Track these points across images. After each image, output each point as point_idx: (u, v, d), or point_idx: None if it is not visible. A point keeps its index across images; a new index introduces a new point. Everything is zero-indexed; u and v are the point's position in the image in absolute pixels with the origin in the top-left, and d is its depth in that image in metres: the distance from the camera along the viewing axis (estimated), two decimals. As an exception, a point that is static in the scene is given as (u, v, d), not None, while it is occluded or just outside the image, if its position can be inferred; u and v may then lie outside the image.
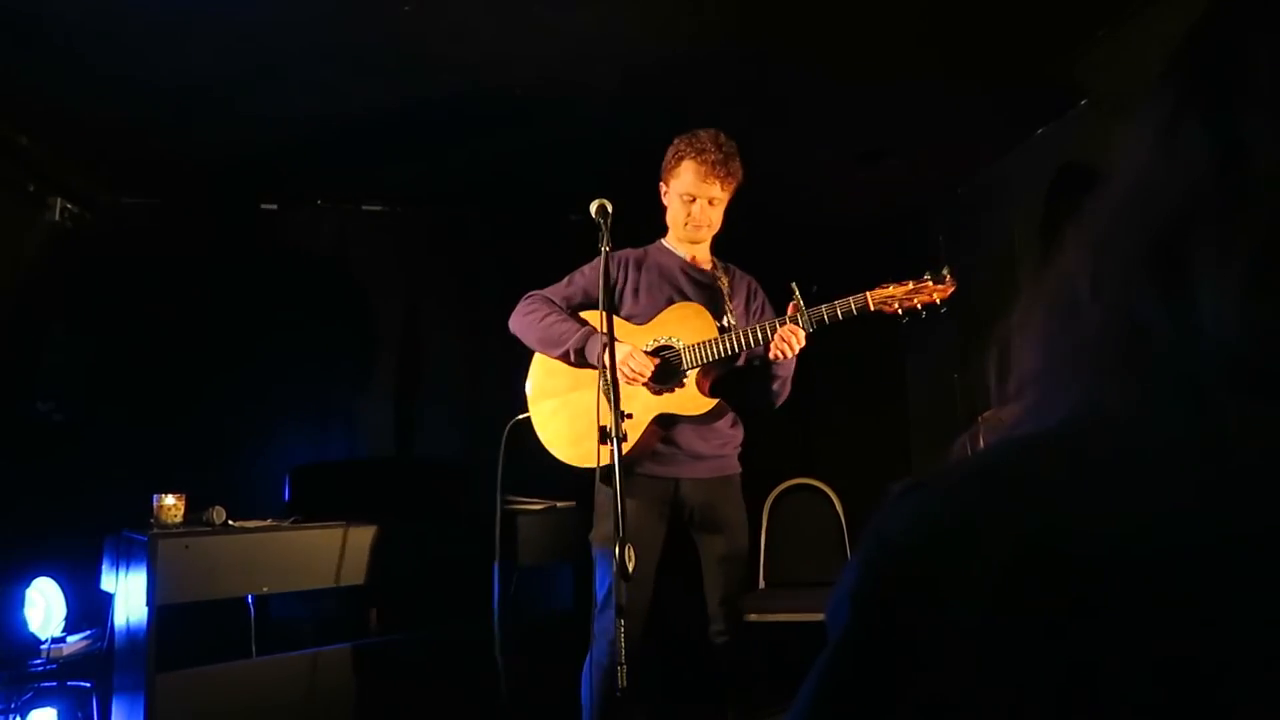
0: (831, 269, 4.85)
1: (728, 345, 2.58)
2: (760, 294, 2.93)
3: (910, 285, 2.56)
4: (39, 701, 3.01)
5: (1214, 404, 0.42)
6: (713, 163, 2.65)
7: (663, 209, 2.85)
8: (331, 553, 3.06)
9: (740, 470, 2.84)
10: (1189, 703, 0.37)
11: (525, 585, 3.55)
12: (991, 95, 3.29)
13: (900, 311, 2.56)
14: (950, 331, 4.28)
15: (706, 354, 2.60)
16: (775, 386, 2.75)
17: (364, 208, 4.40)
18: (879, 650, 0.43)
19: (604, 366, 2.43)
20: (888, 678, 0.42)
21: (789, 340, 2.53)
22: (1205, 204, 0.45)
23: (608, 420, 2.22)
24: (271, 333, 4.15)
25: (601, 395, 2.53)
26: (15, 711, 2.94)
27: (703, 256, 2.87)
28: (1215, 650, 0.37)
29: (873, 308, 2.57)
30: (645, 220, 3.15)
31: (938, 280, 2.55)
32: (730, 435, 2.80)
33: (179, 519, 2.97)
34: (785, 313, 2.61)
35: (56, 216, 3.70)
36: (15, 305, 3.52)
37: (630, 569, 2.07)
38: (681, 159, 2.70)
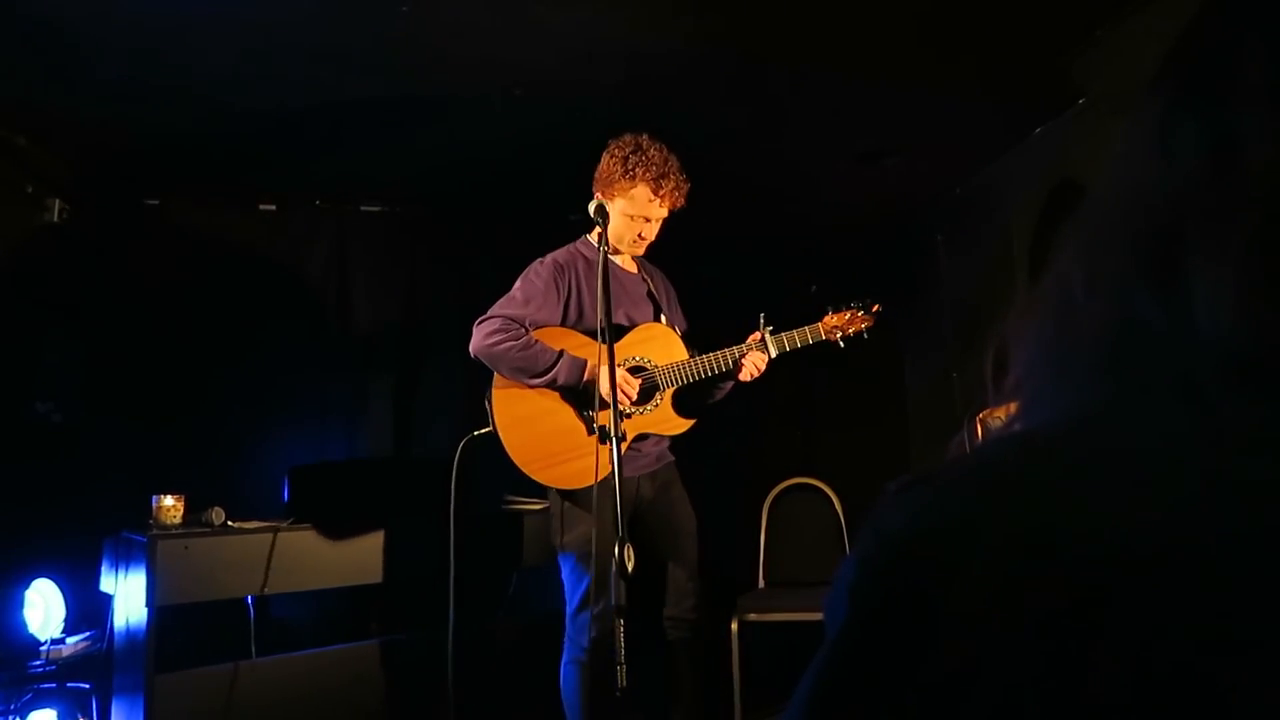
0: (830, 269, 4.89)
1: (703, 370, 2.77)
2: (671, 286, 3.04)
3: (846, 315, 2.92)
4: (38, 703, 3.01)
5: (1210, 401, 0.42)
6: (671, 189, 2.71)
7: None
8: (330, 553, 3.06)
9: (674, 458, 2.97)
10: (1187, 701, 0.37)
11: (525, 585, 3.56)
12: (990, 95, 3.29)
13: (840, 340, 2.90)
14: (949, 331, 4.29)
15: (683, 376, 2.77)
16: (719, 396, 2.95)
17: (362, 208, 4.40)
18: (876, 646, 0.43)
19: (586, 390, 2.65)
20: (885, 674, 0.42)
21: (756, 367, 2.79)
22: (1199, 202, 0.45)
23: (606, 421, 2.24)
24: (270, 333, 4.15)
25: (577, 415, 2.73)
26: (15, 713, 2.94)
27: (627, 259, 2.94)
28: (1213, 647, 0.37)
29: (824, 336, 2.89)
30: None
31: (865, 310, 2.93)
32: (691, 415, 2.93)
33: (178, 520, 2.97)
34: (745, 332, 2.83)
35: (55, 217, 3.70)
36: (14, 306, 3.51)
37: (630, 569, 2.07)
38: (635, 180, 2.69)
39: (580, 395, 2.71)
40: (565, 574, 2.75)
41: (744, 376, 2.79)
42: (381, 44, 2.81)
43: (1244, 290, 0.42)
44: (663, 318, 2.87)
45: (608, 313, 2.32)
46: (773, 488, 4.25)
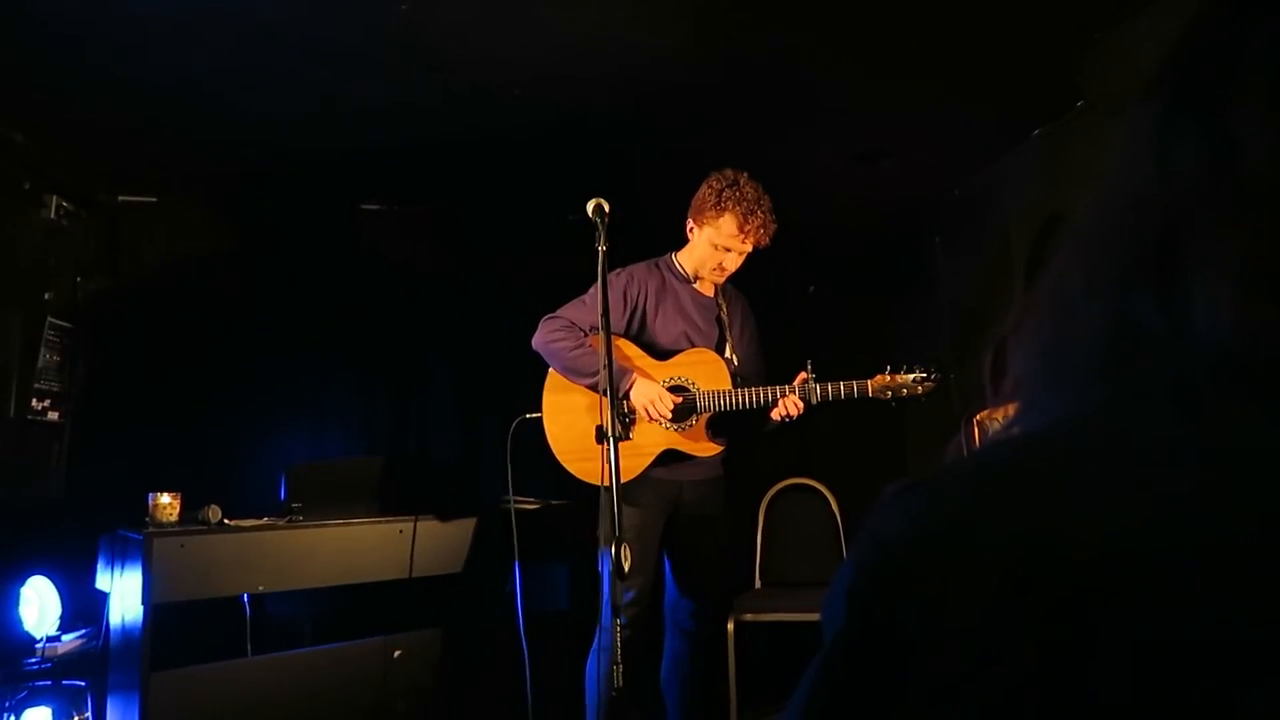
0: (828, 270, 4.89)
1: (741, 401, 2.80)
2: (751, 315, 3.10)
3: (901, 379, 2.85)
4: (33, 700, 3.00)
5: (1209, 403, 0.42)
6: (758, 226, 2.80)
7: (679, 234, 2.97)
8: (327, 551, 3.05)
9: (723, 472, 3.05)
10: (1187, 702, 0.37)
11: (524, 584, 3.55)
12: (988, 97, 3.29)
13: (892, 399, 2.85)
14: (946, 332, 4.29)
15: (722, 403, 2.82)
16: (764, 431, 2.96)
17: (361, 206, 4.40)
18: (874, 649, 0.43)
19: (624, 399, 2.76)
20: (883, 677, 0.42)
21: (792, 409, 2.78)
22: (1199, 204, 0.45)
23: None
24: (268, 331, 4.15)
25: (627, 416, 2.82)
26: (10, 711, 2.94)
27: (706, 284, 3.02)
28: (1212, 648, 0.37)
29: (871, 394, 2.83)
30: (643, 220, 3.16)
31: (926, 377, 2.86)
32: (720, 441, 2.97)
33: (174, 518, 2.96)
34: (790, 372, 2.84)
35: (52, 214, 3.69)
36: (10, 303, 3.51)
37: (626, 568, 2.08)
38: (725, 210, 2.80)
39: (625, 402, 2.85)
40: (601, 566, 2.81)
41: (775, 415, 2.80)
42: (380, 42, 2.81)
43: (1243, 293, 0.42)
44: (727, 347, 2.94)
45: (605, 312, 2.32)
46: (770, 488, 4.25)
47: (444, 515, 3.32)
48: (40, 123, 3.36)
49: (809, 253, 4.82)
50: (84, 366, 3.84)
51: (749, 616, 3.58)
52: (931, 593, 0.42)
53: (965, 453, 0.50)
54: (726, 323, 2.98)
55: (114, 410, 3.84)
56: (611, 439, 2.19)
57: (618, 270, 2.96)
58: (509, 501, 3.36)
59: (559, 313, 2.93)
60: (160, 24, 2.64)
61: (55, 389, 3.72)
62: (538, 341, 2.91)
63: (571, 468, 2.86)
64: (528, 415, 2.92)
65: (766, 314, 3.24)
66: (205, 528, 2.92)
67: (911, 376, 2.84)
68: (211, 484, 3.30)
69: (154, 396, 3.91)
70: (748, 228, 2.79)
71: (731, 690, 3.49)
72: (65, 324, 3.76)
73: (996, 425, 0.54)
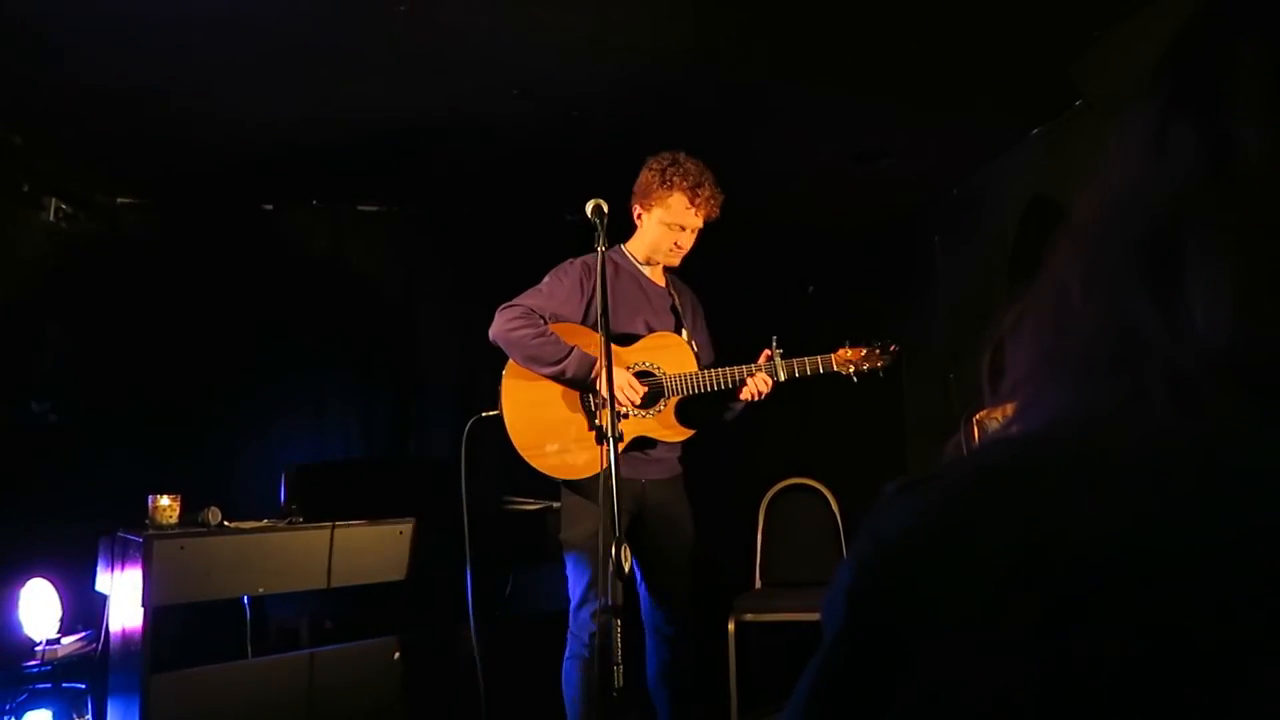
0: (827, 270, 4.89)
1: (709, 383, 2.78)
2: (700, 308, 3.08)
3: (864, 351, 2.90)
4: (34, 703, 3.00)
5: (1207, 403, 0.42)
6: (707, 198, 2.79)
7: (630, 222, 2.91)
8: (327, 553, 3.05)
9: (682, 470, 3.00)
10: (1188, 700, 0.37)
11: (520, 584, 3.55)
12: (986, 96, 3.30)
13: (853, 374, 2.89)
14: (945, 332, 4.29)
15: (689, 387, 2.80)
16: (728, 416, 2.97)
17: (359, 207, 4.40)
18: (873, 649, 0.43)
19: (592, 388, 2.71)
20: (882, 676, 0.42)
21: (761, 387, 2.79)
22: (1196, 204, 0.45)
23: (603, 422, 2.24)
24: (267, 333, 4.15)
25: (582, 409, 2.79)
26: (10, 714, 2.93)
27: (657, 273, 2.99)
28: (1209, 649, 0.37)
29: (836, 368, 2.87)
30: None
31: (884, 351, 2.91)
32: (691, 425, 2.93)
33: (174, 520, 2.96)
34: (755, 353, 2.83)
35: (51, 217, 3.69)
36: (10, 306, 3.51)
37: (626, 570, 2.08)
38: (673, 187, 2.78)
39: (586, 391, 2.79)
40: (568, 570, 2.81)
41: (744, 395, 2.79)
42: (379, 44, 2.81)
43: (1242, 291, 0.42)
44: (683, 332, 2.91)
45: (605, 310, 2.32)
46: (770, 488, 4.25)
47: (443, 516, 3.32)
48: (39, 125, 3.36)
49: (808, 252, 4.83)
50: (83, 368, 3.84)
51: (749, 616, 3.58)
52: (931, 592, 0.42)
53: (964, 452, 0.50)
54: (681, 310, 2.95)
55: (114, 412, 3.84)
56: (611, 440, 2.19)
57: (571, 260, 2.91)
58: (511, 503, 3.37)
59: (516, 300, 2.82)
60: (158, 25, 2.64)
61: (54, 391, 3.72)
62: (495, 331, 2.78)
63: (535, 462, 2.77)
64: (484, 414, 2.83)
65: (766, 314, 3.24)
66: (205, 530, 2.92)
67: (876, 349, 2.88)
68: (211, 486, 3.30)
69: (153, 398, 3.91)
70: (698, 200, 2.78)
71: (732, 690, 3.49)
72: (64, 326, 3.76)
73: (995, 424, 0.54)
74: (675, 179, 2.78)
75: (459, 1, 2.57)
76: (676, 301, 2.97)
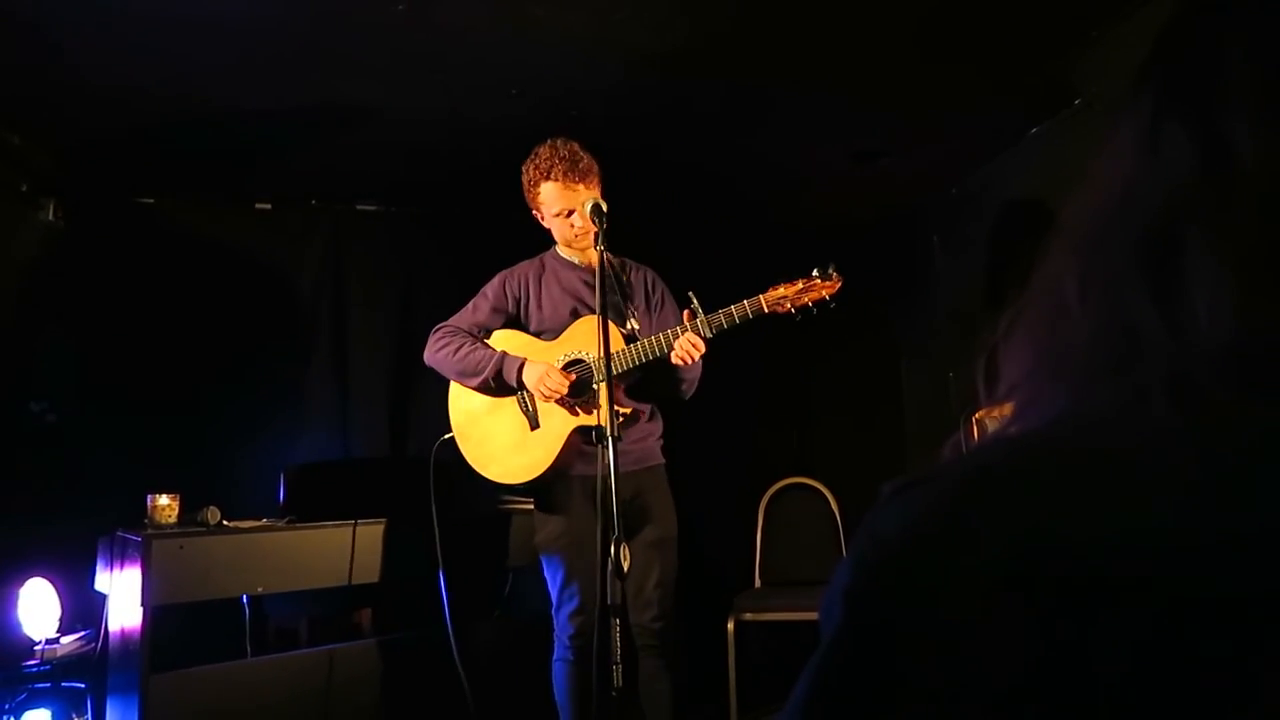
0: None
1: (633, 357, 2.66)
2: (659, 285, 2.97)
3: (800, 284, 2.67)
4: (33, 703, 3.00)
5: (1207, 400, 0.42)
6: (564, 173, 2.70)
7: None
8: (326, 553, 3.05)
9: (664, 461, 2.90)
10: (1187, 700, 0.37)
11: (517, 586, 3.55)
12: (986, 96, 3.30)
13: (794, 310, 2.66)
14: (945, 331, 4.29)
15: (616, 365, 2.64)
16: (684, 387, 2.83)
17: (358, 207, 4.39)
18: (872, 648, 0.43)
19: (522, 386, 2.69)
20: (881, 676, 0.42)
21: (690, 349, 2.61)
22: (1192, 203, 0.45)
23: (599, 421, 2.24)
24: (265, 332, 4.14)
25: (518, 410, 2.77)
26: (9, 713, 2.93)
27: (593, 257, 2.85)
28: (1209, 648, 0.37)
29: (767, 310, 2.65)
30: (644, 217, 3.15)
31: (824, 277, 2.67)
32: (648, 428, 2.86)
33: (173, 519, 2.96)
34: (683, 317, 2.70)
35: (50, 216, 3.69)
36: (8, 306, 3.51)
37: (626, 568, 2.07)
38: (538, 183, 2.76)
39: (519, 391, 2.78)
40: (545, 573, 2.79)
41: (675, 359, 2.61)
42: (377, 43, 2.81)
43: (1243, 289, 0.42)
44: (627, 318, 2.79)
45: (603, 308, 2.32)
46: (769, 487, 4.25)
47: (442, 516, 3.33)
48: (37, 125, 3.36)
49: (806, 252, 4.82)
50: (82, 368, 3.84)
51: (749, 616, 3.58)
52: (929, 592, 0.42)
53: (963, 451, 0.50)
54: (626, 292, 2.84)
55: (112, 412, 3.84)
56: (611, 439, 2.19)
57: (502, 271, 2.94)
58: (508, 502, 3.37)
59: (447, 321, 2.90)
60: (155, 25, 2.64)
61: (53, 391, 3.72)
62: (426, 356, 2.86)
63: (484, 473, 2.79)
64: (445, 436, 2.86)
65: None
66: (204, 529, 2.92)
67: (815, 279, 2.66)
68: (210, 485, 3.30)
69: (152, 398, 3.90)
70: (560, 182, 2.70)
71: (731, 689, 3.49)
72: (63, 326, 3.76)
73: (995, 424, 0.54)
74: (536, 172, 2.75)
75: (457, 1, 2.57)
76: (621, 282, 2.86)
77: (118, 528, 3.02)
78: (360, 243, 4.38)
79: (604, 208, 2.43)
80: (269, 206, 4.26)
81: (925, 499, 0.46)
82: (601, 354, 2.28)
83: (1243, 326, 0.42)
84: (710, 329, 2.62)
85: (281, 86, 3.09)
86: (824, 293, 2.67)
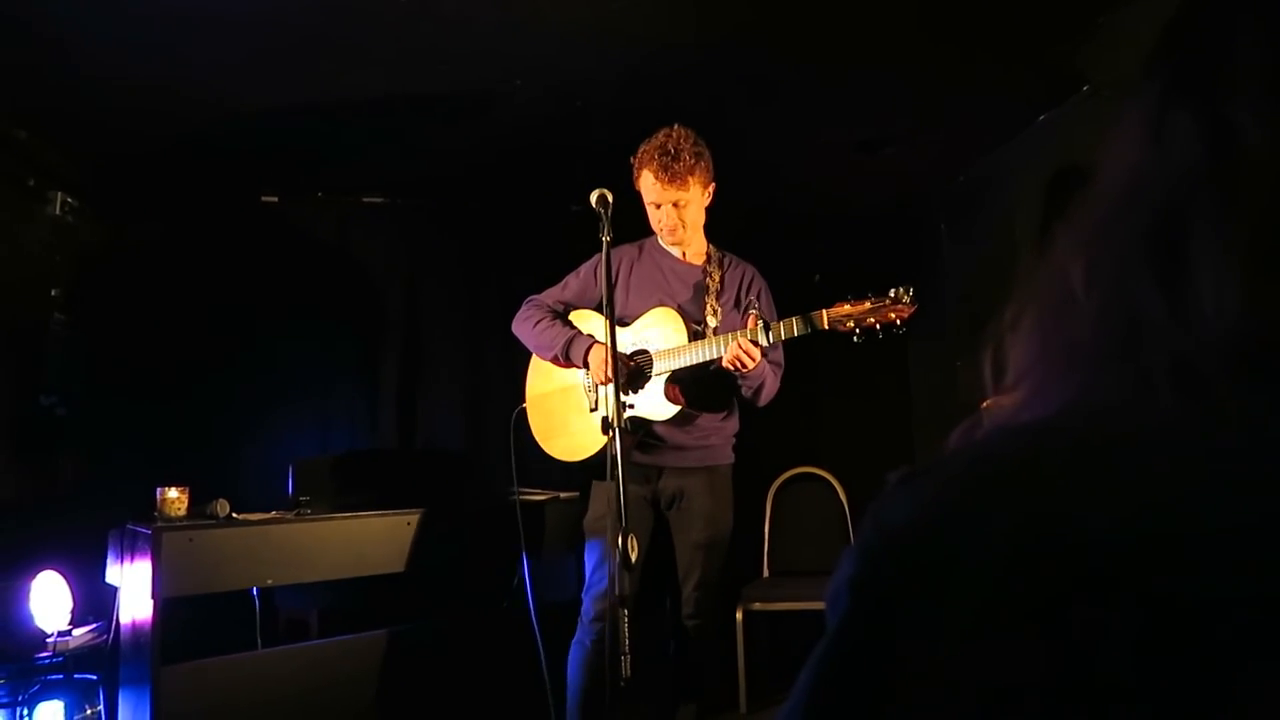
0: (832, 259, 4.87)
1: (689, 355, 2.64)
2: (757, 283, 2.89)
3: (868, 304, 2.46)
4: (46, 694, 3.02)
5: (1214, 389, 0.42)
6: (662, 167, 2.64)
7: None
8: (335, 544, 3.06)
9: (731, 461, 2.87)
10: (1193, 690, 0.37)
11: (533, 576, 3.56)
12: (992, 83, 3.28)
13: (857, 331, 2.47)
14: (952, 319, 4.28)
15: (673, 360, 2.67)
16: (745, 393, 2.73)
17: (365, 199, 4.40)
18: (877, 638, 0.43)
19: (587, 366, 2.74)
20: (886, 665, 0.42)
21: (742, 355, 2.51)
22: (1199, 190, 0.45)
23: (608, 411, 2.25)
24: (273, 325, 4.16)
25: (583, 391, 2.82)
26: (23, 704, 2.95)
27: (694, 252, 2.90)
28: (1216, 634, 0.37)
29: (826, 326, 2.50)
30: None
31: (897, 301, 2.44)
32: (716, 427, 2.82)
33: (183, 512, 2.97)
34: (757, 314, 2.70)
35: (57, 210, 3.70)
36: (17, 300, 3.52)
37: (633, 559, 2.08)
38: (641, 168, 2.74)
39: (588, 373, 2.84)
40: (585, 553, 2.85)
41: (725, 363, 2.55)
42: (382, 35, 2.81)
43: (1250, 277, 0.42)
44: (709, 313, 2.74)
45: (609, 301, 2.32)
46: (777, 477, 4.25)
47: (451, 507, 3.33)
48: (44, 120, 3.37)
49: (813, 242, 4.81)
50: (91, 362, 3.86)
51: (757, 605, 3.59)
52: (935, 581, 0.42)
53: (969, 441, 0.50)
54: (716, 290, 2.79)
55: (121, 405, 3.85)
56: (617, 429, 2.19)
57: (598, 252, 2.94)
58: (515, 493, 3.37)
59: (538, 296, 2.98)
60: (160, 18, 2.64)
61: (62, 384, 3.73)
62: (514, 326, 2.97)
63: (547, 448, 2.91)
64: (523, 405, 2.98)
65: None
66: (214, 522, 2.93)
67: (886, 300, 2.44)
68: (219, 478, 3.32)
69: (161, 391, 3.92)
70: (659, 175, 2.64)
71: (740, 678, 3.50)
72: (71, 319, 3.77)
73: (1002, 413, 0.54)
74: (643, 157, 2.71)
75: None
76: (710, 280, 2.81)
77: (128, 520, 3.03)
78: (367, 235, 4.38)
79: (609, 197, 2.42)
80: (275, 199, 4.27)
81: (932, 488, 0.46)
82: (610, 350, 2.28)
83: (1249, 314, 0.42)
84: (765, 337, 2.52)
85: (286, 78, 3.09)
86: (895, 316, 2.43)
